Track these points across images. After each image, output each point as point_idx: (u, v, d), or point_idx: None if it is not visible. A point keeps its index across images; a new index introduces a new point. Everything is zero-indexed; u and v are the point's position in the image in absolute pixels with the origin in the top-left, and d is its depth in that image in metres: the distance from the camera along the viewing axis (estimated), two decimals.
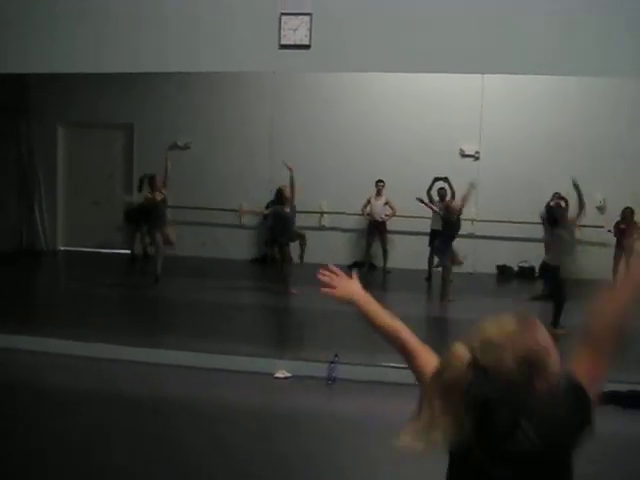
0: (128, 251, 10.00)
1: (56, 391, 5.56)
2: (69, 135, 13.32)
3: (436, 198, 10.78)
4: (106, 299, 8.97)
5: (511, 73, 6.85)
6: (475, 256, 11.61)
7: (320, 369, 6.00)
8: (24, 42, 6.82)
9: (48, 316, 8.15)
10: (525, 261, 8.71)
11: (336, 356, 6.06)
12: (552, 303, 7.82)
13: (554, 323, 7.53)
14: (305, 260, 10.12)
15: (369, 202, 11.60)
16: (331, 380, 5.92)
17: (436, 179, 10.53)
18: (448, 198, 10.72)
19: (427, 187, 10.58)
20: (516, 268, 8.94)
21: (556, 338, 1.68)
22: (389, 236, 11.68)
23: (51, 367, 6.16)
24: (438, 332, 8.09)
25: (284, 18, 6.32)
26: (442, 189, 10.72)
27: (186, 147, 12.65)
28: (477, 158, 11.81)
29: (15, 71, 7.17)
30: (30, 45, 6.83)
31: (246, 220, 12.56)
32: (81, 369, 6.12)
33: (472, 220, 11.58)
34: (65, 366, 6.16)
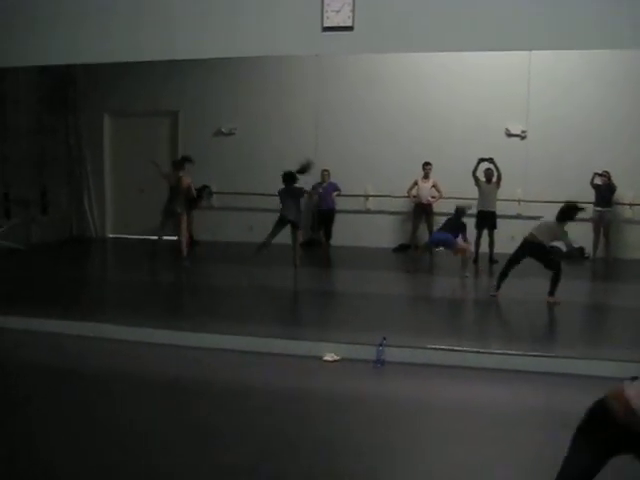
0: (174, 237, 10.13)
1: (105, 376, 5.63)
2: (115, 124, 13.49)
3: (482, 179, 10.66)
4: (152, 285, 9.09)
5: (559, 49, 6.71)
6: (522, 237, 11.44)
7: (369, 352, 5.99)
8: (67, 34, 6.90)
9: (97, 301, 8.29)
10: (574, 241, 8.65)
11: (384, 339, 6.05)
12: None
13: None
14: (351, 243, 10.11)
15: (416, 184, 11.51)
16: (380, 363, 5.91)
17: (481, 160, 10.42)
18: (494, 179, 10.60)
19: (472, 168, 10.47)
20: (564, 249, 8.90)
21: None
22: (435, 218, 11.59)
23: (100, 352, 6.24)
24: (489, 314, 8.03)
25: (326, 0, 6.28)
26: (488, 170, 10.60)
27: (230, 133, 12.72)
28: (523, 137, 11.63)
29: (59, 62, 7.29)
30: (74, 36, 6.90)
31: None
32: (129, 353, 6.20)
33: (519, 200, 11.43)
34: (115, 351, 6.25)
